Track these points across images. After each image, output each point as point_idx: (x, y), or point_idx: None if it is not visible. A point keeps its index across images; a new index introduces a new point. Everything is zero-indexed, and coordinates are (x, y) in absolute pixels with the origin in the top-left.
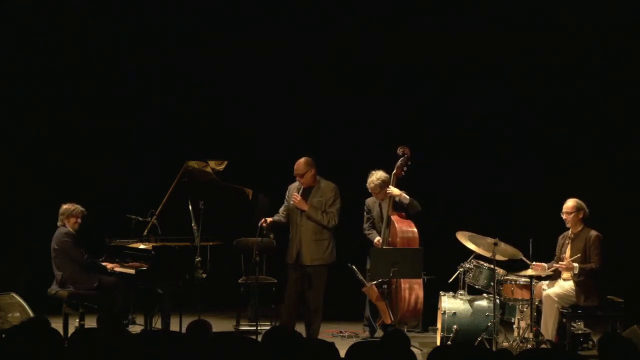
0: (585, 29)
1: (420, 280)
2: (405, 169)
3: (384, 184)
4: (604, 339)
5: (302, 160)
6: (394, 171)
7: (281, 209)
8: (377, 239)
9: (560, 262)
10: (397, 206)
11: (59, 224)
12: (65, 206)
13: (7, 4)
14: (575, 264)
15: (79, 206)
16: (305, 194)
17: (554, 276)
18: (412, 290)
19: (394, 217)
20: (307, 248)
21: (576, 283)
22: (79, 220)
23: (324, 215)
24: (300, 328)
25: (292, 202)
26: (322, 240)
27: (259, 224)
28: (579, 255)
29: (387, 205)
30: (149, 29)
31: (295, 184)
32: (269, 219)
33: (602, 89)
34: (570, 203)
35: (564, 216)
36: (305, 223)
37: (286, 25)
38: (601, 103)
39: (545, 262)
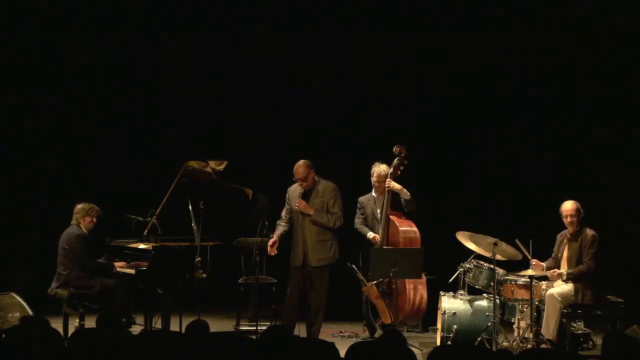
0: (591, 29)
1: (424, 280)
2: (401, 168)
3: (387, 175)
4: (607, 337)
5: (301, 163)
6: (390, 170)
7: (283, 214)
8: (371, 234)
9: (552, 271)
10: (395, 204)
11: (73, 222)
12: (80, 205)
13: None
14: (563, 271)
15: (94, 206)
16: (306, 196)
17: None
18: (417, 290)
19: (393, 217)
20: (313, 249)
21: (572, 281)
22: (95, 220)
23: (330, 217)
24: (301, 328)
25: (295, 207)
26: (326, 240)
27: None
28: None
29: (385, 204)
30: (149, 27)
31: (294, 186)
32: (271, 241)
33: (602, 89)
34: (571, 205)
35: (568, 219)
36: (308, 225)
37: (285, 25)
38: (601, 103)
39: (543, 261)
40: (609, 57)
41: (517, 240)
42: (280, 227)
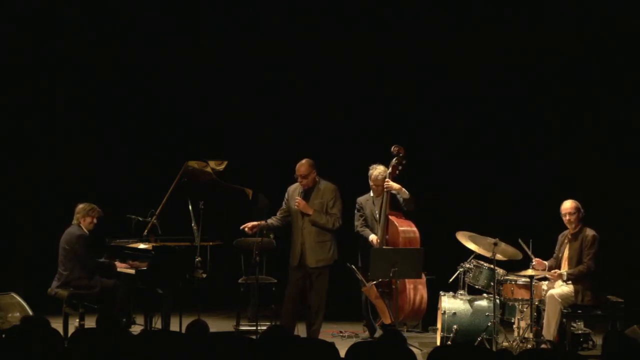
0: (587, 29)
1: (424, 280)
2: (400, 168)
3: (384, 179)
4: (607, 337)
5: (305, 161)
6: (389, 170)
7: (279, 212)
8: (373, 236)
9: (552, 272)
10: (394, 204)
11: (74, 222)
12: (81, 205)
13: None
14: (563, 271)
15: (95, 206)
16: (306, 196)
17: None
18: (417, 290)
19: (392, 217)
20: (312, 250)
21: (572, 282)
22: (95, 221)
23: (329, 218)
24: (301, 328)
25: (294, 206)
26: (325, 241)
27: (242, 227)
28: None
29: (384, 204)
30: (149, 26)
31: (294, 186)
32: (250, 224)
33: (601, 89)
34: (570, 204)
35: (566, 217)
36: (307, 226)
37: (285, 25)
38: (600, 102)
39: (545, 261)
40: (609, 57)
41: (520, 240)
42: (270, 220)
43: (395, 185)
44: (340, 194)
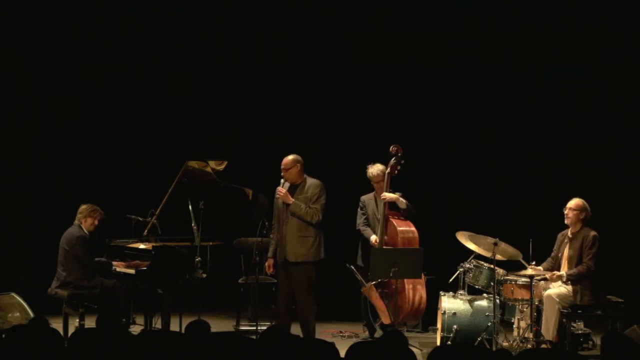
0: (588, 28)
1: (423, 280)
2: (398, 167)
3: (383, 174)
4: (607, 338)
5: (292, 156)
6: (388, 170)
7: (274, 221)
8: (373, 237)
9: (551, 273)
10: (394, 204)
11: (75, 222)
12: (84, 206)
13: None
14: (563, 272)
15: (98, 208)
16: (291, 191)
17: None
18: (416, 290)
19: (391, 217)
20: (291, 244)
21: (572, 283)
22: (96, 222)
23: (308, 210)
24: (297, 328)
25: (276, 196)
26: (307, 237)
27: (268, 272)
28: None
29: (384, 204)
30: (148, 26)
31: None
32: (267, 263)
33: (602, 89)
34: (576, 201)
35: (566, 211)
36: (290, 220)
37: (284, 26)
38: (601, 102)
39: (541, 263)
40: (607, 56)
41: (521, 260)
42: (273, 244)
43: (393, 196)
44: (328, 190)
